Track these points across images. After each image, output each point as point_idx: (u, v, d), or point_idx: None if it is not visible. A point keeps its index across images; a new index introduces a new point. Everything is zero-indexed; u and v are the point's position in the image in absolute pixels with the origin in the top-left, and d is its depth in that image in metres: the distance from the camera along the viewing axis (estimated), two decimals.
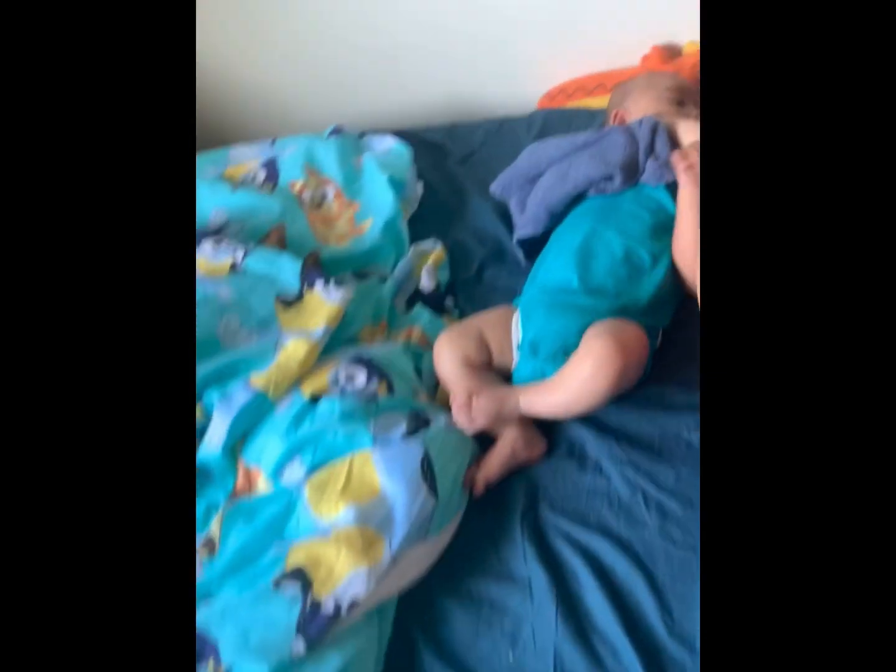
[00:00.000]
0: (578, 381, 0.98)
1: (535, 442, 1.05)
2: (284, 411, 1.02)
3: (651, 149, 1.16)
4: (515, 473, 1.04)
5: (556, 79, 1.56)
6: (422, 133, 1.53)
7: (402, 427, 1.02)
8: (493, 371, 1.11)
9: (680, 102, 1.30)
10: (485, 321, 1.12)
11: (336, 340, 1.12)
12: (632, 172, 1.16)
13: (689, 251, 1.10)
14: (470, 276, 1.30)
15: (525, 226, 1.24)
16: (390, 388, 1.07)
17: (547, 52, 1.54)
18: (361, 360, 1.07)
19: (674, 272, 1.14)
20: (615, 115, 1.34)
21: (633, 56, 1.53)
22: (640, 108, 1.30)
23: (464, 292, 1.28)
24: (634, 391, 1.07)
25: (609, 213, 1.16)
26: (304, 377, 1.06)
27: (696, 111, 1.28)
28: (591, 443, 1.05)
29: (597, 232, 1.14)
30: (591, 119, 1.47)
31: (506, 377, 1.12)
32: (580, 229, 1.16)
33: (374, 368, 1.07)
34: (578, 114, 1.50)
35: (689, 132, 1.17)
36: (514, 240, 1.27)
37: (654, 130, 1.16)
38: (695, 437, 1.04)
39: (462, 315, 1.24)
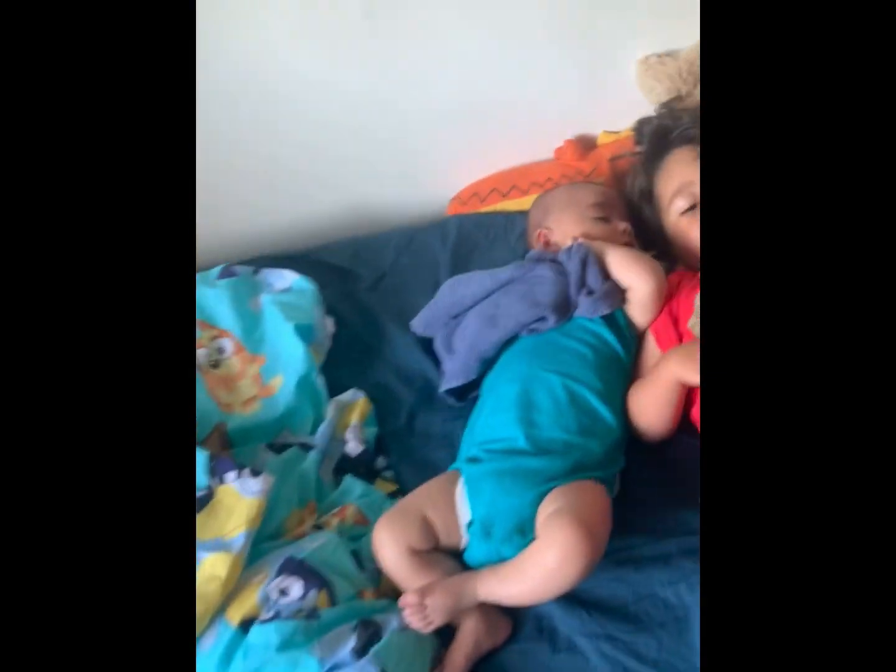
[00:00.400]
0: (543, 573, 0.91)
1: (499, 626, 0.98)
2: (211, 647, 0.91)
3: (583, 282, 1.10)
4: (483, 662, 0.96)
5: (465, 177, 1.48)
6: (324, 255, 1.41)
7: (352, 642, 0.91)
8: (441, 551, 1.01)
9: (605, 219, 1.23)
10: (425, 499, 1.02)
11: (260, 537, 1.01)
12: (564, 311, 1.11)
13: (653, 416, 1.07)
14: (400, 426, 1.20)
15: (455, 376, 1.15)
16: (331, 595, 0.96)
17: (454, 149, 1.46)
18: (294, 567, 0.96)
19: (625, 412, 1.08)
20: (538, 236, 1.26)
21: (545, 150, 1.46)
22: (563, 228, 1.24)
23: (396, 447, 1.18)
24: None
25: (545, 353, 1.09)
26: (228, 599, 0.93)
27: (624, 225, 1.23)
28: (560, 617, 0.98)
29: (535, 377, 1.07)
30: (510, 224, 1.40)
31: (457, 554, 1.02)
32: (516, 375, 1.09)
33: (310, 574, 0.96)
34: (495, 220, 1.43)
35: (616, 261, 1.13)
36: (441, 390, 1.18)
37: (584, 263, 1.10)
38: (670, 594, 0.99)
39: (397, 476, 1.15)
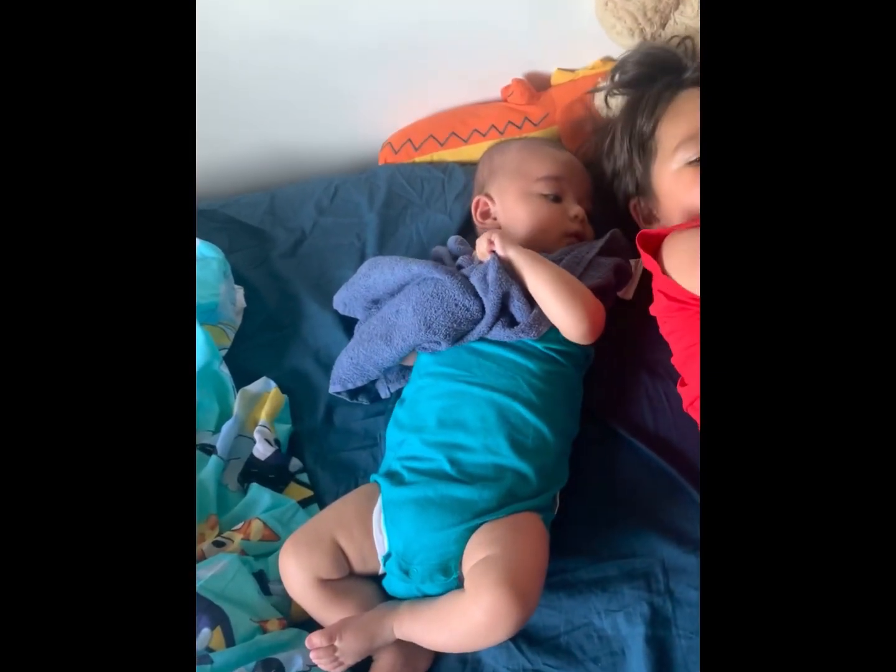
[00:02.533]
0: (468, 630, 0.85)
1: (418, 657, 0.92)
2: None
3: (503, 310, 0.98)
4: None
5: (401, 117, 1.34)
6: (236, 210, 1.28)
7: None
8: (357, 577, 0.95)
9: (556, 198, 1.11)
10: (338, 522, 0.95)
11: None
12: (459, 336, 0.99)
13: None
14: (317, 421, 1.11)
15: (351, 378, 1.06)
16: (227, 632, 0.89)
17: (386, 88, 1.32)
18: None
19: (567, 418, 1.00)
20: (476, 205, 1.13)
21: (491, 89, 1.32)
22: (504, 202, 1.13)
23: (312, 446, 1.10)
24: None
25: (470, 362, 0.99)
26: None
27: (576, 210, 1.11)
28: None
29: (459, 392, 0.98)
30: (449, 179, 1.29)
31: (375, 577, 0.96)
32: (437, 391, 0.99)
33: (204, 609, 0.89)
34: (431, 173, 1.30)
35: (543, 295, 0.97)
36: (331, 391, 1.09)
37: (505, 297, 0.97)
38: (607, 624, 0.94)
39: (313, 480, 1.07)
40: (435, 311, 0.98)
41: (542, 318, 0.98)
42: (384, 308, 1.06)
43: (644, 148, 1.13)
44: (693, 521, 0.96)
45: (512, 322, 0.98)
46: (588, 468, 1.01)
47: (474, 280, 0.99)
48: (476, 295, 0.98)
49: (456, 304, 0.98)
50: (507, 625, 0.82)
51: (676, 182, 1.08)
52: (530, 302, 0.98)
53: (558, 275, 0.98)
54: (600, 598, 0.94)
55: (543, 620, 0.93)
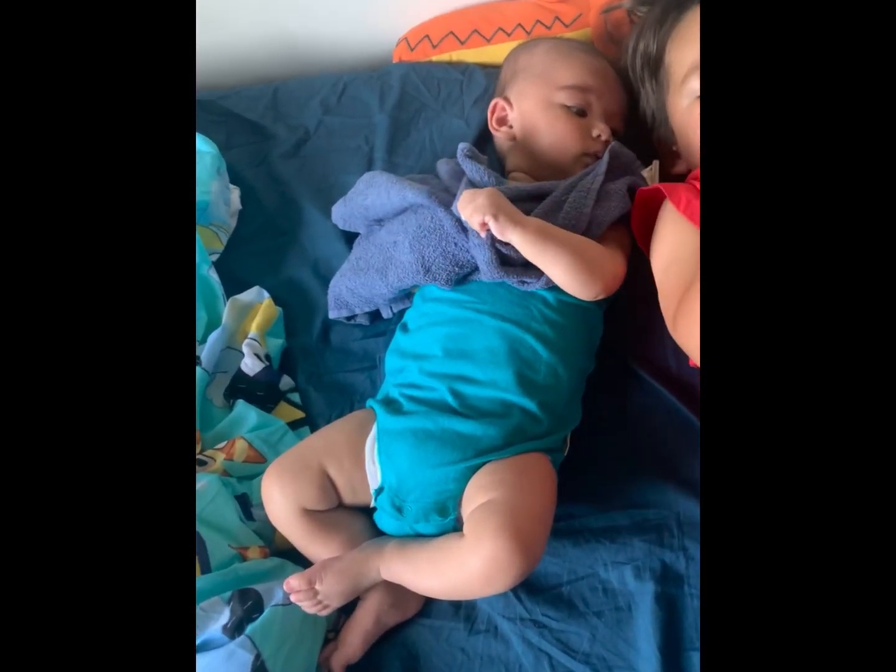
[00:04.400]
0: (463, 579, 0.75)
1: (407, 598, 0.84)
2: None
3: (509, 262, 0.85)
4: (388, 636, 0.84)
5: (418, 12, 1.18)
6: (235, 103, 1.14)
7: (225, 617, 0.78)
8: (346, 508, 0.86)
9: (581, 111, 0.96)
10: (328, 449, 0.84)
11: None
12: (462, 278, 0.87)
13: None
14: (312, 338, 1.00)
15: (351, 304, 0.96)
16: (204, 559, 0.82)
17: None
18: None
19: (583, 355, 0.89)
20: (493, 108, 1.00)
21: None
22: (522, 107, 0.99)
23: (305, 365, 0.99)
24: None
25: (480, 288, 0.87)
26: None
27: (600, 128, 0.96)
28: None
29: (467, 319, 0.86)
30: (468, 81, 1.15)
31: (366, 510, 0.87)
32: (442, 315, 0.88)
33: None
34: (449, 74, 1.15)
35: (554, 274, 0.83)
36: (331, 316, 0.99)
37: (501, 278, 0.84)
38: (613, 577, 0.85)
39: (305, 400, 0.96)
40: (433, 251, 0.86)
41: None
42: (382, 232, 0.94)
43: (656, 78, 0.97)
44: None
45: (522, 281, 0.85)
46: (603, 408, 0.91)
47: (473, 242, 0.84)
48: (464, 238, 0.85)
49: (455, 244, 0.85)
50: (507, 577, 0.73)
51: (688, 119, 0.92)
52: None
53: (570, 251, 0.82)
54: (608, 549, 0.85)
55: (545, 568, 0.85)
